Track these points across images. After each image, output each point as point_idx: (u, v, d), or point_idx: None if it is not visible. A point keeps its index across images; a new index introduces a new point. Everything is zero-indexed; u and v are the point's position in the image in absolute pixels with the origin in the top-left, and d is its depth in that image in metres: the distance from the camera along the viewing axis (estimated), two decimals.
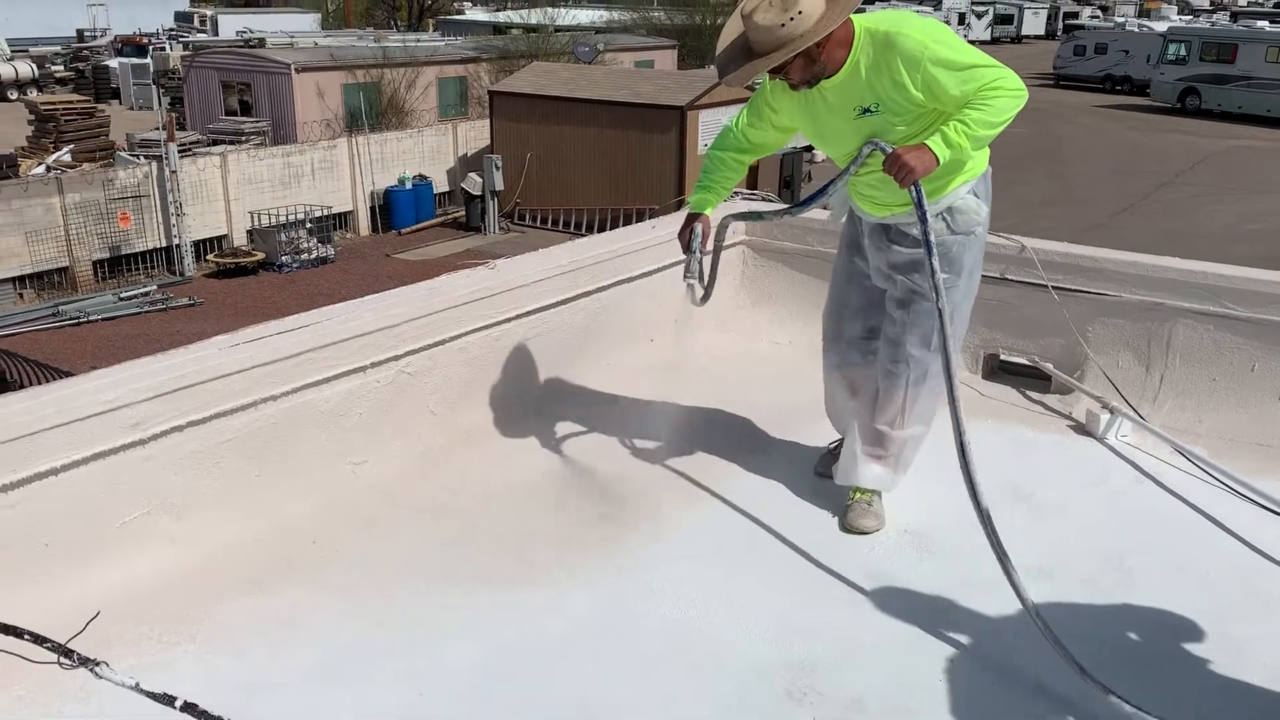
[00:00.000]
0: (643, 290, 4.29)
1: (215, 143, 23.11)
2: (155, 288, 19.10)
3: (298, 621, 2.71)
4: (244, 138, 23.62)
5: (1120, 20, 56.05)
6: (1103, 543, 3.14)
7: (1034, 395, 4.16)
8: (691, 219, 3.23)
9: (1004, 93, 2.75)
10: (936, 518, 3.24)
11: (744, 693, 2.48)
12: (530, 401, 3.89)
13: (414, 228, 23.00)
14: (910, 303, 3.11)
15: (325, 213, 21.36)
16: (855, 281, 3.31)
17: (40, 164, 21.63)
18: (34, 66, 37.10)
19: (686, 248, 3.20)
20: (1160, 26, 45.35)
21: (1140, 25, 49.04)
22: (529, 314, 3.92)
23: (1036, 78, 44.82)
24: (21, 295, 18.76)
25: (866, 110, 2.87)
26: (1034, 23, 62.67)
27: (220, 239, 21.04)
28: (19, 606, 2.49)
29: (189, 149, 21.52)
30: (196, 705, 1.88)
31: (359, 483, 3.36)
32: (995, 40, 58.91)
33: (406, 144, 23.97)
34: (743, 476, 3.50)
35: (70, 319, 17.50)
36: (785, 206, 3.10)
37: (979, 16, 58.63)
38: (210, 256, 20.52)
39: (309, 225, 20.77)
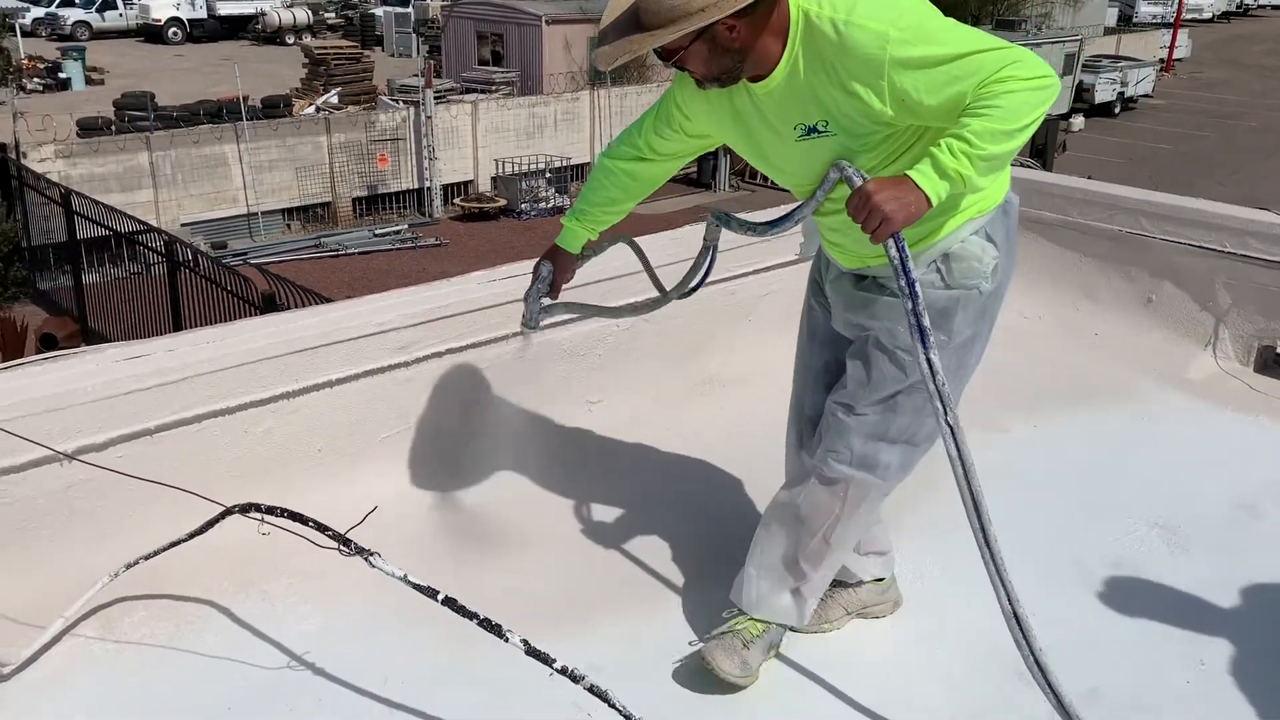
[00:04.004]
0: None
1: (468, 91, 24.17)
2: (406, 227, 20.31)
3: (529, 543, 2.85)
4: (494, 87, 24.59)
5: None
6: None
7: None
8: (548, 254, 2.49)
9: (1018, 85, 1.87)
10: (1191, 511, 3.04)
11: (973, 667, 2.42)
12: (760, 357, 3.89)
13: None
14: (875, 381, 2.22)
15: (565, 164, 22.01)
16: (818, 337, 2.44)
17: (311, 105, 23.31)
18: (309, 13, 39.87)
19: (528, 292, 2.47)
20: None
21: None
22: (764, 270, 3.93)
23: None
24: (289, 226, 20.39)
25: (813, 130, 2.04)
26: None
27: (466, 184, 22.09)
28: (295, 505, 2.75)
29: (444, 96, 22.61)
30: (455, 599, 2.02)
31: (594, 420, 3.47)
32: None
33: (645, 99, 24.27)
34: (981, 453, 3.38)
35: (330, 251, 18.90)
36: (757, 223, 2.36)
37: None
38: (456, 200, 21.61)
39: (548, 175, 21.48)
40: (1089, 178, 4.97)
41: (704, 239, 2.52)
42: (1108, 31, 39.89)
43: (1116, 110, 31.93)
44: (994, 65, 1.87)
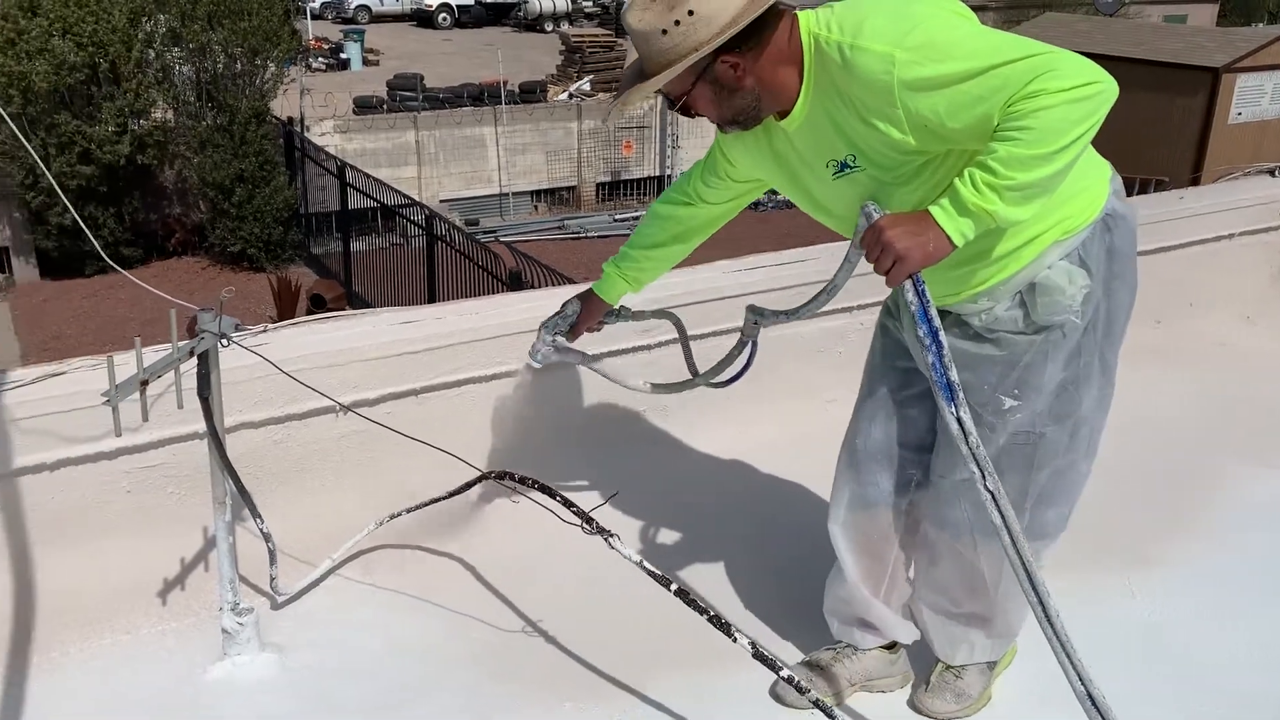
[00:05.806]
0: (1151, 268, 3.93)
1: None
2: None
3: (761, 543, 2.87)
4: None
5: None
6: None
7: None
8: (581, 295, 2.39)
9: (1051, 99, 1.60)
10: None
11: (1222, 713, 2.25)
12: None
13: None
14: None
15: None
16: (889, 358, 2.19)
17: (564, 91, 24.13)
18: (568, 1, 41.23)
19: (546, 323, 2.34)
20: None
21: None
22: None
23: None
24: (536, 208, 21.24)
25: (844, 166, 1.86)
26: None
27: None
28: (536, 473, 2.87)
29: None
30: (687, 593, 2.04)
31: (828, 418, 3.43)
32: None
33: None
34: (1245, 491, 3.12)
35: (571, 233, 19.56)
36: (790, 310, 2.13)
37: None
38: None
39: None
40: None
41: (742, 333, 2.36)
42: None
43: None
44: (1022, 78, 1.62)
